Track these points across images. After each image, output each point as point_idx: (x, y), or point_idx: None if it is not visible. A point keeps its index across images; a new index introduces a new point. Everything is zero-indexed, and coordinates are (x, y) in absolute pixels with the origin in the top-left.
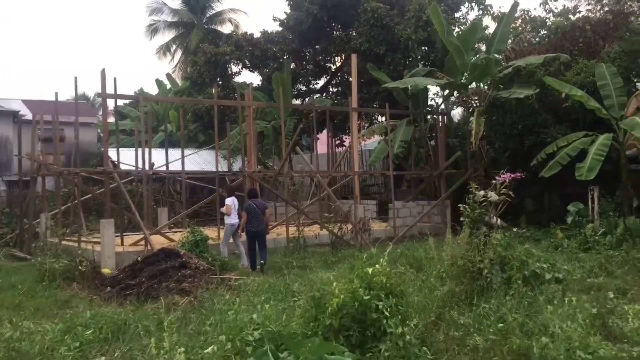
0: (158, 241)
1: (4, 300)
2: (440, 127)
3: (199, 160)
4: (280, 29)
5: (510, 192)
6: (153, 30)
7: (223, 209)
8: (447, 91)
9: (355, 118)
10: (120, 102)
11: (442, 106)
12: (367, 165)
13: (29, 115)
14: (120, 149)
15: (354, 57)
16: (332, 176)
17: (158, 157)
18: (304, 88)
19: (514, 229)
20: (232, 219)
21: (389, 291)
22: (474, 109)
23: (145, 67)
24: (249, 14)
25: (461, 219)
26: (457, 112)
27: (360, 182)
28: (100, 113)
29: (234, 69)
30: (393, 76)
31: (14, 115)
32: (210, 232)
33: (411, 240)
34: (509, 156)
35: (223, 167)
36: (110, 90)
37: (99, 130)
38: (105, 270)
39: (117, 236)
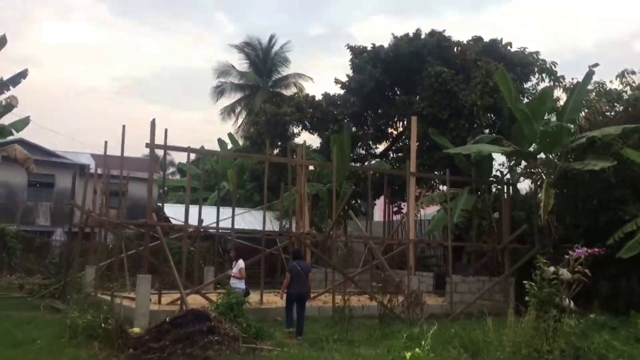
0: (197, 302)
1: (16, 357)
2: (505, 198)
3: (252, 220)
4: (342, 92)
5: (587, 271)
6: (220, 91)
7: (235, 273)
8: (513, 161)
9: (413, 183)
10: (183, 160)
11: (508, 176)
12: (425, 234)
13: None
14: (176, 205)
15: (414, 119)
16: (387, 244)
17: (211, 215)
18: (363, 152)
19: (591, 315)
20: (243, 283)
21: None
22: (543, 181)
23: (210, 128)
24: (315, 80)
25: (526, 298)
26: (524, 185)
27: (418, 252)
28: (167, 170)
29: (295, 130)
30: (456, 143)
31: (81, 168)
32: (255, 295)
33: (469, 319)
34: (581, 233)
35: (275, 228)
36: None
37: (159, 186)
38: (135, 330)
39: (155, 293)
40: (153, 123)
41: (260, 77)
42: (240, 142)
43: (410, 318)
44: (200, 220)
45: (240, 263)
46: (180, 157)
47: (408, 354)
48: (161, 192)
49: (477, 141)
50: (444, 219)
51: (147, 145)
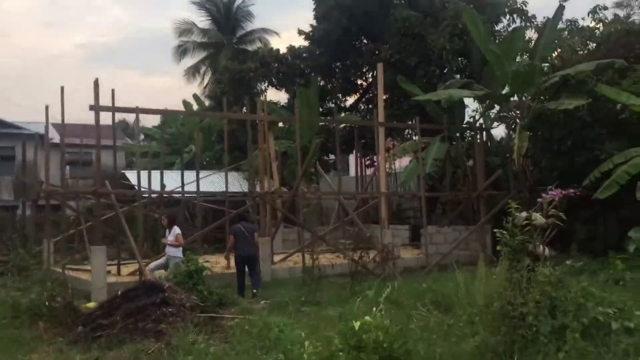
0: (160, 271)
1: None
2: (479, 145)
3: (221, 183)
4: (308, 44)
5: (561, 214)
6: (182, 51)
7: (171, 240)
8: (485, 105)
9: (382, 134)
10: (149, 124)
11: (481, 121)
12: (398, 186)
13: (57, 139)
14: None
15: (379, 66)
16: (362, 199)
17: (179, 180)
18: (332, 106)
19: (567, 262)
20: (180, 252)
21: (387, 354)
22: (517, 124)
23: (182, 93)
24: (282, 36)
25: (498, 247)
26: (498, 131)
27: (394, 205)
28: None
29: (261, 87)
30: (426, 90)
31: (40, 138)
32: (222, 259)
33: (445, 271)
34: (557, 176)
35: (246, 189)
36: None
37: (127, 154)
38: (90, 305)
39: (113, 264)
40: (96, 83)
41: (223, 34)
42: (207, 103)
43: (385, 273)
44: (162, 186)
45: (176, 229)
46: (148, 122)
47: (357, 324)
48: (130, 160)
49: (447, 86)
50: (416, 169)
51: (91, 108)
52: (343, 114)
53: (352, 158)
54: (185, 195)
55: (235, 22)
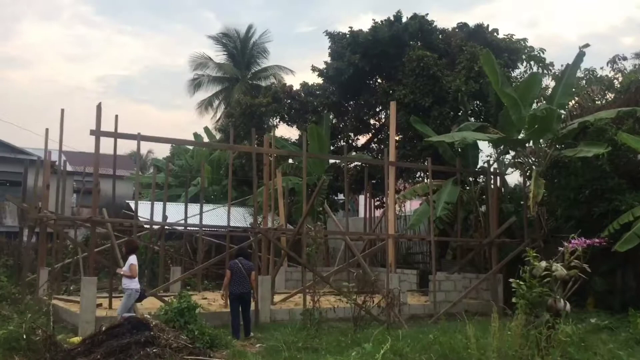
0: (154, 305)
1: None
2: (493, 190)
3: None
4: (321, 81)
5: (585, 266)
6: (196, 84)
7: (125, 270)
8: (500, 149)
9: (393, 174)
10: (159, 156)
11: (495, 166)
12: (406, 229)
13: (68, 167)
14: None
15: (392, 104)
16: (370, 241)
17: (183, 212)
18: (343, 144)
19: (592, 320)
20: (137, 283)
21: None
22: (532, 170)
23: (190, 123)
24: (297, 74)
25: (513, 299)
26: (513, 179)
27: (403, 248)
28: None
29: (273, 122)
30: (440, 131)
31: (52, 167)
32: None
33: (454, 320)
34: (573, 225)
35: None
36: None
37: (135, 184)
38: (75, 339)
39: (104, 297)
40: (99, 108)
41: (238, 69)
42: (217, 137)
43: (389, 320)
44: (164, 217)
45: (132, 259)
46: (160, 154)
47: None
48: (135, 190)
49: (461, 129)
50: (426, 212)
51: (91, 133)
52: (354, 153)
53: (362, 199)
54: (188, 228)
55: (250, 57)
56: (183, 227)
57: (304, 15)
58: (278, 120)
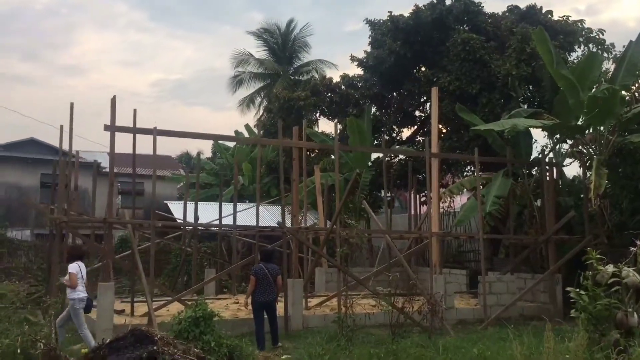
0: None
1: None
2: (549, 182)
3: (265, 216)
4: (361, 72)
5: None
6: (238, 82)
7: (66, 279)
8: (556, 138)
9: (436, 166)
10: (205, 156)
11: (551, 156)
12: (453, 225)
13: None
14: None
15: (434, 90)
16: (415, 240)
17: (224, 212)
18: (387, 138)
19: None
20: (79, 293)
21: None
22: (593, 160)
23: (238, 124)
24: (341, 69)
25: (572, 312)
26: (572, 169)
27: (456, 247)
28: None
29: (313, 116)
30: (488, 120)
31: (96, 168)
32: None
33: (506, 325)
34: None
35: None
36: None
37: (179, 185)
38: (84, 351)
39: (125, 302)
40: (113, 101)
41: (280, 65)
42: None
43: (432, 327)
44: (196, 217)
45: (70, 267)
46: (208, 153)
47: None
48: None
49: (512, 116)
50: (475, 207)
51: (105, 128)
52: (397, 147)
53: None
54: (218, 228)
55: (292, 52)
56: (215, 228)
57: (351, 13)
58: (318, 114)
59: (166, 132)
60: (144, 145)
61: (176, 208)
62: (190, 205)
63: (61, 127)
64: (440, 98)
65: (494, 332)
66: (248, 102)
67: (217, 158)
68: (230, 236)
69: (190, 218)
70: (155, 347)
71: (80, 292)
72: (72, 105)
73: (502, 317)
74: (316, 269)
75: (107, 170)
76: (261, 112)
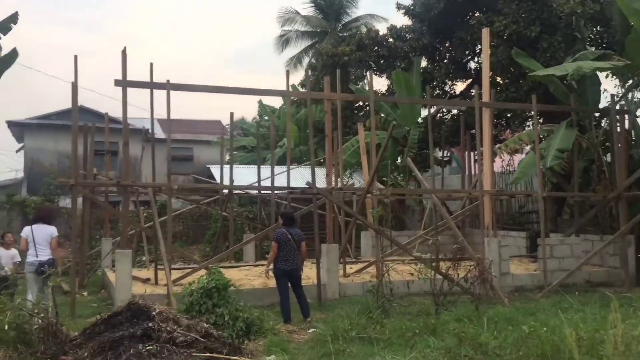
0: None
1: None
2: (619, 133)
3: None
4: (410, 23)
5: None
6: (284, 41)
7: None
8: (628, 83)
9: (488, 118)
10: (248, 118)
11: (622, 103)
12: (510, 183)
13: (161, 134)
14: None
15: (485, 31)
16: (468, 199)
17: (263, 175)
18: (439, 92)
19: None
20: (29, 256)
21: None
22: None
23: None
24: (391, 21)
25: None
26: None
27: (517, 208)
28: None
29: (359, 72)
30: (550, 66)
31: (145, 134)
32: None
33: (570, 294)
34: None
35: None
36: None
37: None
38: None
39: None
40: (124, 54)
41: (327, 22)
42: None
43: (480, 296)
44: (231, 181)
45: (23, 232)
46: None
47: None
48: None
49: (577, 59)
50: (534, 163)
51: (116, 83)
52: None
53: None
54: (253, 191)
55: (339, 8)
56: (249, 190)
57: None
58: (364, 70)
59: (180, 85)
60: (190, 110)
61: (218, 172)
62: (237, 170)
63: (72, 84)
64: (495, 45)
65: (555, 301)
66: (295, 62)
67: (263, 121)
68: (267, 200)
69: (235, 182)
70: (151, 324)
71: (30, 256)
72: (75, 58)
73: (565, 283)
74: (362, 232)
75: (158, 136)
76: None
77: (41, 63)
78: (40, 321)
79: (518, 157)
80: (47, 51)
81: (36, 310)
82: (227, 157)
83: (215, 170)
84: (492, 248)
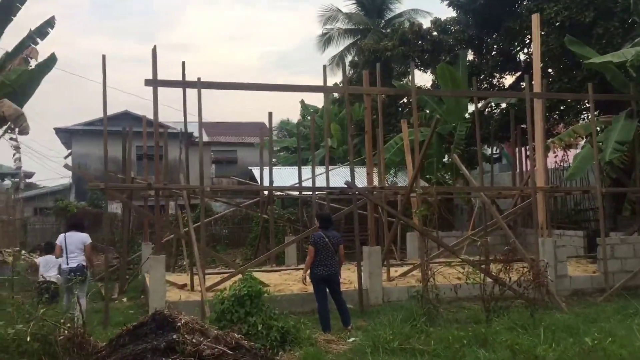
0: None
1: None
2: None
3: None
4: (454, 15)
5: None
6: (326, 40)
7: None
8: None
9: (539, 109)
10: (293, 119)
11: None
12: (565, 179)
13: (205, 137)
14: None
15: (534, 17)
16: (520, 197)
17: (306, 176)
18: (486, 86)
19: None
20: (62, 264)
21: None
22: None
23: (319, 82)
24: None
25: None
26: None
27: (572, 205)
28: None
29: (403, 68)
30: (606, 53)
31: (189, 138)
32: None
33: (636, 296)
34: None
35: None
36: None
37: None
38: None
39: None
40: (154, 52)
41: (370, 18)
42: None
43: (534, 302)
44: (270, 182)
45: (60, 238)
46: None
47: None
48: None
49: (636, 44)
50: (590, 157)
51: (146, 83)
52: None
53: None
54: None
55: (382, 4)
56: (282, 192)
57: None
58: (408, 65)
59: (211, 83)
60: (233, 113)
61: (259, 173)
62: (278, 171)
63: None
64: (546, 33)
65: (618, 306)
66: (337, 60)
67: (306, 121)
68: (309, 201)
69: (276, 183)
70: (175, 336)
71: (62, 263)
72: (103, 57)
73: (628, 286)
74: (407, 234)
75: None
76: (349, 69)
77: (94, 71)
78: (66, 332)
79: (573, 152)
80: (98, 60)
81: (62, 320)
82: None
83: (257, 171)
84: (546, 249)
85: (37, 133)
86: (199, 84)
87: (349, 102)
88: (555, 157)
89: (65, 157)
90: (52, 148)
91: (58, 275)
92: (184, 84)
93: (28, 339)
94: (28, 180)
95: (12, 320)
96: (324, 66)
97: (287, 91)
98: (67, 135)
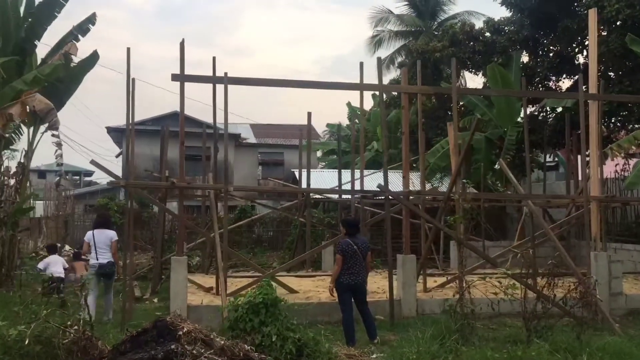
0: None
1: None
2: None
3: (398, 182)
4: (508, 15)
5: None
6: (377, 42)
7: None
8: None
9: (595, 112)
10: (345, 122)
11: None
12: (623, 189)
13: (252, 139)
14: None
15: (591, 12)
16: (574, 207)
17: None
18: (541, 88)
19: None
20: (90, 259)
21: None
22: None
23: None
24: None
25: None
26: None
27: (634, 216)
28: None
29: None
30: None
31: (236, 139)
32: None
33: None
34: None
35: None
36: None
37: (319, 152)
38: None
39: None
40: (182, 46)
41: (422, 20)
42: (396, 93)
43: (587, 321)
44: (307, 184)
45: (88, 235)
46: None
47: None
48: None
49: None
50: None
51: (173, 78)
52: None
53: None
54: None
55: (435, 5)
56: (321, 195)
57: None
58: (458, 67)
59: (239, 79)
60: (280, 116)
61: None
62: (321, 174)
63: (127, 52)
64: (606, 33)
65: None
66: (388, 62)
67: (355, 123)
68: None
69: (319, 186)
70: (173, 346)
71: (92, 259)
72: (128, 58)
73: None
74: (450, 242)
75: (249, 141)
76: (399, 72)
77: (152, 73)
78: (72, 334)
79: (636, 160)
80: (157, 64)
81: (70, 322)
82: (320, 164)
83: (301, 174)
84: (600, 263)
85: (93, 133)
86: (226, 79)
87: (383, 102)
88: (616, 165)
89: (117, 156)
90: (109, 148)
91: (60, 273)
92: (212, 79)
93: (27, 341)
94: (87, 179)
95: (16, 321)
96: (379, 59)
97: (320, 88)
98: (118, 134)
